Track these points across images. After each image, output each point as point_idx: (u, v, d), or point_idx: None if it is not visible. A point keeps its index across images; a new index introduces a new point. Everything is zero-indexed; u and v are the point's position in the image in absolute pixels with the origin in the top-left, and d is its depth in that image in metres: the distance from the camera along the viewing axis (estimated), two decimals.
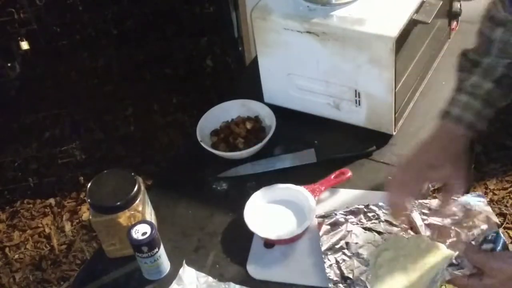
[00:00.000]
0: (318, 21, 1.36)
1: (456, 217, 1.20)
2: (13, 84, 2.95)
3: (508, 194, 2.35)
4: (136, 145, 2.73)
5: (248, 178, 1.43)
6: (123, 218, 1.23)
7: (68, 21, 3.04)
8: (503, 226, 2.23)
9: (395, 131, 1.46)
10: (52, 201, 2.59)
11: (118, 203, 1.22)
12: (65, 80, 3.00)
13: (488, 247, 1.11)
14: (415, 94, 1.54)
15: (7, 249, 2.44)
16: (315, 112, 1.52)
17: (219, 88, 2.77)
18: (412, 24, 1.36)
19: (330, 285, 1.15)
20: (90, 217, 1.25)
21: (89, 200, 1.25)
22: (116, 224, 1.23)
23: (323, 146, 1.46)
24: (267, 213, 1.32)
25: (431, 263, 1.13)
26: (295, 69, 1.47)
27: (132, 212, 1.24)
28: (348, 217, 1.25)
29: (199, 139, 1.47)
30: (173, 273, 1.25)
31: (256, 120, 1.53)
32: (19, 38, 2.84)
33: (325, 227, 1.24)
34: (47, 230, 2.49)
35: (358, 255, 1.19)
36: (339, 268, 1.17)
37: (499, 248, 1.10)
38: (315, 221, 1.27)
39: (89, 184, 1.27)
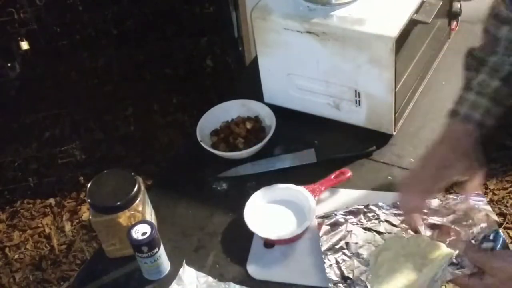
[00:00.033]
0: (318, 21, 1.36)
1: (456, 216, 1.20)
2: (13, 84, 2.95)
3: (508, 194, 2.35)
4: (136, 145, 2.73)
5: (248, 178, 1.43)
6: (123, 218, 1.23)
7: (68, 21, 3.03)
8: (503, 226, 2.23)
9: (395, 131, 1.46)
10: (52, 201, 2.58)
11: (118, 203, 1.22)
12: (65, 80, 3.00)
13: (488, 245, 1.11)
14: (415, 94, 1.54)
15: (7, 249, 2.44)
16: (315, 112, 1.52)
17: (219, 88, 2.77)
18: (412, 24, 1.36)
19: (330, 285, 1.15)
20: (90, 217, 1.25)
21: (89, 200, 1.25)
22: (116, 224, 1.23)
23: (323, 146, 1.46)
24: (267, 213, 1.32)
25: (431, 263, 1.13)
26: (295, 69, 1.47)
27: (132, 212, 1.24)
28: (348, 217, 1.25)
29: (199, 139, 1.47)
30: (173, 273, 1.25)
31: (256, 120, 1.53)
32: (19, 38, 2.84)
33: (325, 228, 1.24)
34: (47, 230, 2.49)
35: (358, 255, 1.19)
36: (339, 268, 1.17)
37: (499, 246, 1.10)
38: (315, 221, 1.27)
39: (89, 184, 1.27)
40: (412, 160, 1.41)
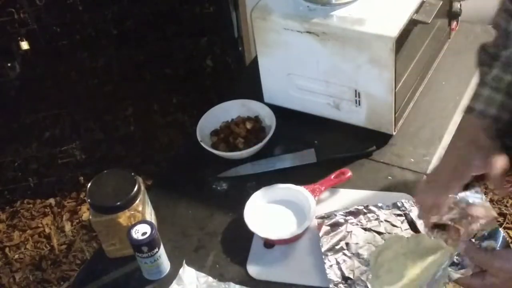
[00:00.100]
0: (318, 21, 1.36)
1: (455, 214, 1.20)
2: (13, 84, 2.95)
3: (508, 194, 2.35)
4: (136, 145, 2.73)
5: (248, 178, 1.43)
6: (123, 218, 1.23)
7: (68, 21, 3.03)
8: (503, 226, 2.23)
9: (395, 131, 1.46)
10: (52, 201, 2.58)
11: (118, 203, 1.22)
12: (65, 80, 3.00)
13: (488, 244, 1.11)
14: (415, 94, 1.54)
15: (7, 249, 2.44)
16: (315, 112, 1.52)
17: (219, 88, 2.77)
18: (412, 24, 1.36)
19: (331, 286, 1.15)
20: (90, 217, 1.25)
21: (89, 200, 1.25)
22: (116, 224, 1.23)
23: (323, 146, 1.46)
24: (267, 213, 1.32)
25: (431, 261, 1.13)
26: (295, 69, 1.47)
27: (132, 212, 1.24)
28: (347, 217, 1.25)
29: (199, 139, 1.47)
30: (173, 273, 1.25)
31: (256, 120, 1.53)
32: (19, 38, 2.84)
33: (325, 228, 1.24)
34: (47, 230, 2.49)
35: (358, 255, 1.19)
36: (340, 269, 1.17)
37: (499, 244, 1.10)
38: (315, 221, 1.27)
39: (89, 184, 1.27)
40: (412, 160, 1.41)
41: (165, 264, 1.26)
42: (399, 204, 1.26)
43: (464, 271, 1.09)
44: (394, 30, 1.30)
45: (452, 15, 1.61)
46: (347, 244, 1.21)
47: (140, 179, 1.27)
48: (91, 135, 2.79)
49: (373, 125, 1.47)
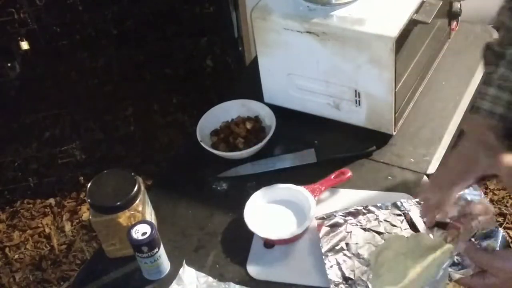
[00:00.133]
0: (318, 21, 1.36)
1: (454, 212, 1.20)
2: (13, 84, 2.95)
3: (508, 194, 2.35)
4: (136, 145, 2.73)
5: (248, 178, 1.43)
6: (123, 218, 1.23)
7: (68, 21, 3.03)
8: (503, 226, 2.23)
9: (395, 131, 1.46)
10: (52, 201, 2.58)
11: (118, 203, 1.22)
12: (65, 80, 3.00)
13: (488, 243, 1.11)
14: (415, 94, 1.54)
15: (7, 249, 2.44)
16: (315, 112, 1.52)
17: (219, 88, 2.76)
18: (412, 24, 1.36)
19: (331, 286, 1.15)
20: (90, 217, 1.25)
21: (89, 200, 1.25)
22: (116, 224, 1.23)
23: (323, 146, 1.46)
24: (267, 213, 1.32)
25: (431, 260, 1.13)
26: (295, 69, 1.47)
27: (132, 212, 1.24)
28: (347, 218, 1.25)
29: (199, 139, 1.47)
30: (173, 273, 1.25)
31: (256, 120, 1.53)
32: (19, 38, 2.84)
33: (324, 229, 1.24)
34: (47, 230, 2.49)
35: (358, 255, 1.19)
36: (340, 269, 1.17)
37: (499, 244, 1.10)
38: (315, 221, 1.27)
39: (89, 184, 1.27)
40: (412, 160, 1.41)
41: (165, 264, 1.26)
42: (398, 204, 1.26)
43: (464, 271, 1.10)
44: (394, 30, 1.30)
45: (452, 15, 1.61)
46: (347, 244, 1.21)
47: (140, 179, 1.27)
48: (91, 135, 2.79)
49: (373, 125, 1.47)
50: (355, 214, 1.26)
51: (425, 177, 1.37)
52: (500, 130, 1.13)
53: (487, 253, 1.08)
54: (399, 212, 1.25)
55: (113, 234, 1.26)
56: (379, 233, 1.22)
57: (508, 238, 2.19)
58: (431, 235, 1.19)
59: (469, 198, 1.20)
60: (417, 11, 1.36)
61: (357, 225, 1.24)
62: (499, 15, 1.21)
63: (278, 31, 1.41)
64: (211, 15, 2.98)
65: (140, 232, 1.19)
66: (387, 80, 1.36)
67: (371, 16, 1.34)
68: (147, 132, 2.77)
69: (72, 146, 2.72)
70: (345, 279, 1.15)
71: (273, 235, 1.26)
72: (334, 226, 1.24)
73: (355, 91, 1.42)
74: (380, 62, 1.34)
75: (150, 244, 1.19)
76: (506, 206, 2.31)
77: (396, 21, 1.32)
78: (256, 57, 1.53)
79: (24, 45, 2.84)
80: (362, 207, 1.27)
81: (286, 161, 1.45)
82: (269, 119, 1.50)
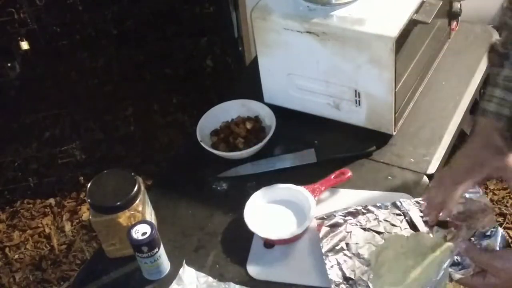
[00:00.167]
0: (318, 21, 1.36)
1: (454, 210, 1.20)
2: (13, 84, 2.95)
3: (508, 194, 2.35)
4: (136, 145, 2.73)
5: (248, 178, 1.43)
6: (123, 218, 1.23)
7: (68, 21, 3.03)
8: (503, 226, 2.23)
9: (395, 131, 1.46)
10: (52, 201, 2.58)
11: (118, 203, 1.22)
12: (65, 80, 3.00)
13: (488, 243, 1.11)
14: (415, 94, 1.54)
15: (7, 249, 2.44)
16: (315, 112, 1.52)
17: (219, 88, 2.76)
18: (412, 24, 1.36)
19: (332, 286, 1.14)
20: (90, 217, 1.25)
21: (89, 200, 1.25)
22: (116, 224, 1.23)
23: (323, 146, 1.46)
24: (267, 213, 1.32)
25: (432, 260, 1.14)
26: (295, 69, 1.47)
27: (132, 212, 1.24)
28: (347, 218, 1.25)
29: (199, 139, 1.47)
30: (173, 273, 1.25)
31: (256, 120, 1.53)
32: (19, 38, 2.84)
33: (324, 229, 1.24)
34: (47, 230, 2.49)
35: (358, 255, 1.19)
36: (341, 269, 1.17)
37: (499, 243, 1.10)
38: (315, 221, 1.27)
39: (89, 184, 1.27)
40: (412, 160, 1.41)
41: (165, 264, 1.26)
42: (398, 204, 1.26)
43: (465, 271, 1.10)
44: (394, 30, 1.30)
45: (452, 15, 1.61)
46: (347, 244, 1.21)
47: (140, 179, 1.27)
48: (91, 135, 2.79)
49: (373, 125, 1.47)
50: (354, 214, 1.26)
51: (425, 177, 1.37)
52: (506, 132, 1.13)
53: (487, 253, 1.09)
54: (398, 212, 1.25)
55: (113, 234, 1.26)
56: (379, 232, 1.22)
57: (508, 238, 2.19)
58: (430, 234, 1.19)
59: (468, 196, 1.20)
60: (417, 11, 1.36)
61: (356, 225, 1.24)
62: (502, 16, 1.21)
63: (278, 31, 1.41)
64: (211, 15, 2.98)
65: (140, 232, 1.19)
66: (387, 80, 1.36)
67: (371, 16, 1.34)
68: (147, 132, 2.77)
69: (72, 146, 2.72)
70: (346, 279, 1.15)
71: (273, 235, 1.26)
72: (334, 226, 1.24)
73: (355, 91, 1.42)
74: (380, 62, 1.34)
75: (150, 244, 1.19)
76: (506, 206, 2.31)
77: (396, 21, 1.32)
78: (256, 57, 1.53)
79: (24, 45, 2.84)
80: (361, 207, 1.27)
81: (286, 161, 1.45)
82: (269, 119, 1.50)
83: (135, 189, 1.24)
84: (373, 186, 1.36)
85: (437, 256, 1.13)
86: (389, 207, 1.26)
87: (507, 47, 1.18)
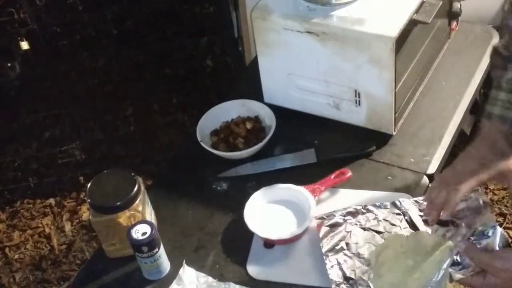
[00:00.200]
0: (318, 21, 1.36)
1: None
2: (13, 84, 2.95)
3: (508, 194, 2.35)
4: (136, 145, 2.73)
5: (248, 178, 1.43)
6: (123, 218, 1.23)
7: (68, 21, 3.04)
8: (503, 226, 2.23)
9: (395, 131, 1.46)
10: (52, 201, 2.58)
11: (118, 203, 1.22)
12: (65, 80, 3.00)
13: (488, 242, 1.11)
14: (415, 94, 1.54)
15: (7, 249, 2.44)
16: (315, 112, 1.52)
17: (219, 88, 2.76)
18: (412, 24, 1.36)
19: (333, 286, 1.15)
20: (90, 217, 1.25)
21: (89, 200, 1.25)
22: (116, 224, 1.23)
23: (323, 146, 1.46)
24: (267, 213, 1.32)
25: (432, 259, 1.14)
26: (295, 69, 1.47)
27: (132, 212, 1.24)
28: (346, 217, 1.26)
29: (199, 139, 1.47)
30: (173, 273, 1.25)
31: (256, 120, 1.53)
32: (19, 38, 2.84)
33: (324, 229, 1.24)
34: (47, 230, 2.49)
35: (358, 255, 1.19)
36: (341, 269, 1.17)
37: (498, 242, 1.10)
38: (315, 221, 1.27)
39: (89, 184, 1.27)
40: (412, 160, 1.41)
41: (165, 264, 1.26)
42: (397, 203, 1.26)
43: (465, 271, 1.10)
44: (394, 30, 1.30)
45: (452, 15, 1.61)
46: (347, 244, 1.21)
47: (140, 179, 1.27)
48: (91, 135, 2.79)
49: (373, 125, 1.47)
50: (354, 213, 1.26)
51: (425, 177, 1.37)
52: (511, 135, 1.13)
53: (486, 253, 1.09)
54: (398, 211, 1.25)
55: (113, 234, 1.26)
56: (378, 232, 1.22)
57: (508, 238, 2.19)
58: (430, 232, 1.19)
59: (467, 193, 1.20)
60: (417, 11, 1.36)
61: (356, 224, 1.24)
62: (504, 19, 1.21)
63: (278, 31, 1.41)
64: (211, 15, 2.98)
65: (140, 232, 1.19)
66: (387, 80, 1.36)
67: (371, 16, 1.34)
68: (147, 132, 2.77)
69: (72, 146, 2.72)
70: (346, 279, 1.15)
71: (273, 235, 1.26)
72: (334, 226, 1.25)
73: (355, 91, 1.42)
74: (380, 62, 1.34)
75: (150, 244, 1.19)
76: (506, 206, 2.31)
77: (396, 21, 1.32)
78: (256, 57, 1.53)
79: (24, 45, 2.84)
80: (361, 207, 1.27)
81: (286, 161, 1.45)
82: (269, 119, 1.50)
83: (135, 189, 1.24)
84: (373, 186, 1.36)
85: (437, 255, 1.13)
86: (388, 207, 1.26)
87: (510, 50, 1.18)
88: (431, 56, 1.58)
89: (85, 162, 2.68)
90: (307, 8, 1.40)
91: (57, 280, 2.31)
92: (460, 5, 1.61)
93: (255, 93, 1.56)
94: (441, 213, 1.16)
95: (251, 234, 1.28)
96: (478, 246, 1.11)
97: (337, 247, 1.21)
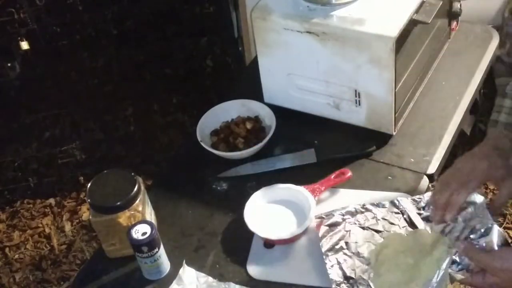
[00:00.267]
0: (318, 21, 1.36)
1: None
2: (13, 84, 2.95)
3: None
4: (136, 145, 2.73)
5: (248, 178, 1.43)
6: (123, 218, 1.23)
7: (68, 21, 3.04)
8: (503, 226, 2.23)
9: (395, 131, 1.46)
10: (52, 201, 2.58)
11: (118, 203, 1.22)
12: (65, 80, 3.00)
13: (486, 241, 1.11)
14: (415, 94, 1.54)
15: (7, 249, 2.44)
16: (315, 112, 1.52)
17: (219, 88, 2.77)
18: (412, 24, 1.36)
19: (333, 286, 1.15)
20: (90, 217, 1.25)
21: (89, 200, 1.25)
22: (116, 224, 1.23)
23: (323, 146, 1.46)
24: (267, 213, 1.32)
25: (431, 256, 1.14)
26: (295, 69, 1.47)
27: (132, 212, 1.24)
28: (345, 217, 1.26)
29: (199, 139, 1.47)
30: (173, 273, 1.25)
31: (256, 120, 1.53)
32: (19, 38, 2.84)
33: (323, 228, 1.24)
34: (47, 230, 2.49)
35: (358, 254, 1.19)
36: (341, 268, 1.17)
37: (496, 240, 1.10)
38: (315, 221, 1.27)
39: (89, 184, 1.27)
40: (412, 160, 1.41)
41: (165, 264, 1.26)
42: (396, 202, 1.26)
43: (464, 271, 1.10)
44: (394, 30, 1.30)
45: (452, 15, 1.61)
46: (346, 243, 1.21)
47: (140, 179, 1.27)
48: (91, 135, 2.79)
49: (373, 125, 1.47)
50: (353, 213, 1.26)
51: (425, 177, 1.37)
52: None
53: (485, 253, 1.09)
54: (396, 210, 1.25)
55: (113, 234, 1.26)
56: (377, 231, 1.22)
57: (508, 238, 2.19)
58: (428, 230, 1.19)
59: None
60: (417, 11, 1.36)
61: (355, 223, 1.24)
62: (505, 26, 1.21)
63: (278, 31, 1.41)
64: (211, 15, 2.98)
65: (140, 232, 1.19)
66: (387, 80, 1.36)
67: (371, 16, 1.34)
68: (147, 132, 2.77)
69: (72, 146, 2.72)
70: (346, 278, 1.15)
71: (273, 235, 1.26)
72: (333, 225, 1.25)
73: (355, 91, 1.42)
74: (380, 62, 1.34)
75: (150, 244, 1.19)
76: (506, 206, 2.31)
77: (396, 21, 1.32)
78: (256, 57, 1.53)
79: (24, 45, 2.84)
80: (360, 206, 1.27)
81: (286, 161, 1.45)
82: (269, 119, 1.50)
83: (135, 189, 1.24)
84: (373, 186, 1.36)
85: (436, 253, 1.14)
86: (387, 206, 1.26)
87: None
88: (431, 56, 1.58)
89: (85, 162, 2.68)
90: (307, 8, 1.40)
91: (57, 280, 2.31)
92: (460, 5, 1.61)
93: (255, 93, 1.56)
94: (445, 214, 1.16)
95: (251, 234, 1.28)
96: (477, 246, 1.11)
97: (337, 247, 1.21)
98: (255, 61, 1.56)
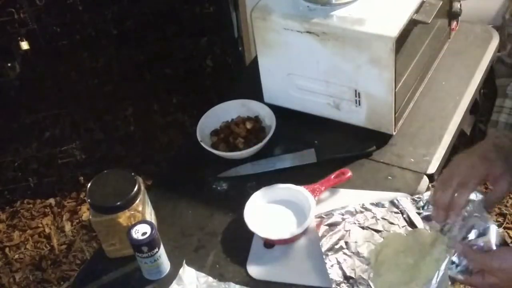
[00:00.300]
0: (318, 21, 1.36)
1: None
2: (13, 84, 2.95)
3: (508, 194, 2.35)
4: (136, 145, 2.73)
5: (248, 178, 1.43)
6: (123, 218, 1.23)
7: (68, 21, 3.04)
8: (503, 226, 2.23)
9: (395, 131, 1.46)
10: (52, 201, 2.59)
11: (118, 203, 1.22)
12: (65, 80, 3.00)
13: (484, 240, 1.11)
14: (415, 94, 1.54)
15: (7, 249, 2.44)
16: (315, 112, 1.52)
17: (219, 88, 2.77)
18: (412, 24, 1.36)
19: (333, 286, 1.15)
20: (90, 217, 1.25)
21: (89, 200, 1.25)
22: (116, 224, 1.23)
23: (323, 146, 1.46)
24: (267, 213, 1.32)
25: (431, 256, 1.14)
26: (295, 69, 1.47)
27: (132, 212, 1.24)
28: (345, 216, 1.26)
29: (199, 139, 1.47)
30: (173, 273, 1.25)
31: (256, 120, 1.53)
32: (19, 38, 2.84)
33: (323, 228, 1.24)
34: (47, 230, 2.49)
35: (358, 254, 1.19)
36: (341, 268, 1.17)
37: (494, 239, 1.10)
38: (315, 221, 1.27)
39: (89, 184, 1.27)
40: (412, 160, 1.41)
41: (165, 264, 1.26)
42: (395, 202, 1.27)
43: (463, 273, 1.10)
44: (394, 30, 1.30)
45: (452, 15, 1.61)
46: (346, 243, 1.21)
47: (140, 179, 1.27)
48: (91, 135, 2.79)
49: (373, 125, 1.47)
50: (352, 212, 1.26)
51: (425, 177, 1.37)
52: None
53: (484, 254, 1.09)
54: (396, 210, 1.26)
55: (113, 234, 1.26)
56: (377, 231, 1.22)
57: (508, 238, 2.19)
58: (428, 229, 1.19)
59: None
60: (417, 11, 1.36)
61: (355, 223, 1.24)
62: (506, 28, 1.21)
63: (278, 31, 1.41)
64: (211, 15, 2.98)
65: (140, 232, 1.19)
66: (387, 80, 1.36)
67: (371, 16, 1.34)
68: (147, 132, 2.77)
69: (72, 146, 2.72)
70: (346, 278, 1.15)
71: (273, 235, 1.26)
72: (333, 225, 1.25)
73: (355, 91, 1.42)
74: (380, 62, 1.34)
75: (150, 244, 1.19)
76: (506, 206, 2.31)
77: (396, 21, 1.32)
78: (256, 57, 1.53)
79: (24, 45, 2.85)
80: (359, 205, 1.27)
81: (286, 161, 1.45)
82: (269, 119, 1.50)
83: (135, 189, 1.24)
84: (373, 186, 1.36)
85: (435, 252, 1.14)
86: (386, 205, 1.27)
87: None
88: (431, 56, 1.58)
89: (85, 162, 2.68)
90: (307, 8, 1.40)
91: (57, 280, 2.31)
92: (460, 5, 1.61)
93: (255, 93, 1.56)
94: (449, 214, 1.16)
95: (251, 234, 1.28)
96: (475, 245, 1.11)
97: (337, 246, 1.21)
98: (255, 61, 1.56)
